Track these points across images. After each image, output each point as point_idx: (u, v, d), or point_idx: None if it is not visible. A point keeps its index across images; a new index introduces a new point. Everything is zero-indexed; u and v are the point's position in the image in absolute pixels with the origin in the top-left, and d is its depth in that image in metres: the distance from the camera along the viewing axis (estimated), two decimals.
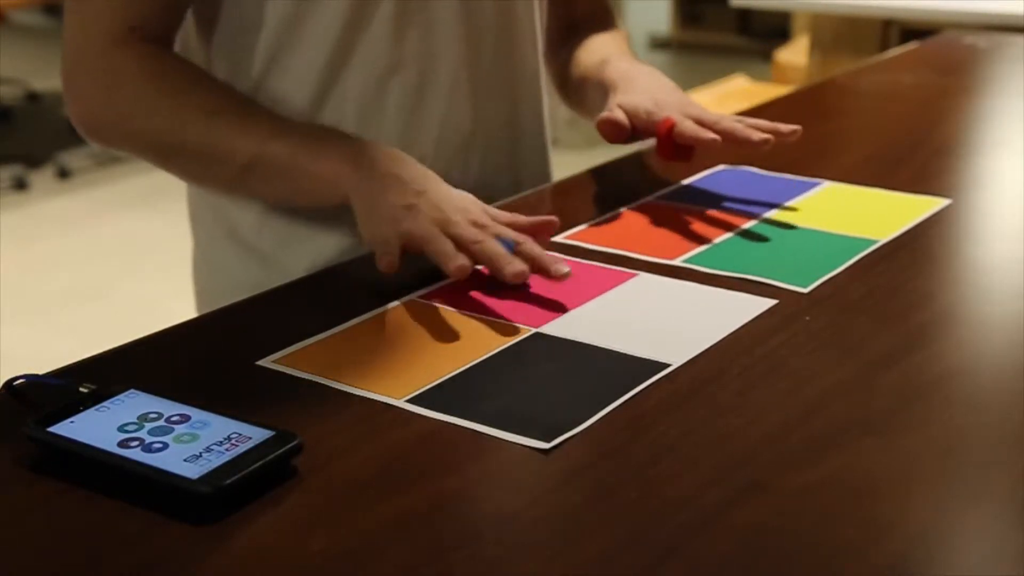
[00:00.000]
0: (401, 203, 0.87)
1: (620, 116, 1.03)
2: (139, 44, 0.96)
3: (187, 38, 1.05)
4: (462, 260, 0.83)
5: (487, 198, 1.03)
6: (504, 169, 1.13)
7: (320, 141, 0.94)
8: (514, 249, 0.86)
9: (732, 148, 1.01)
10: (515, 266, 0.84)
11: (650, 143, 1.07)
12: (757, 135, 0.99)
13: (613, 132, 1.03)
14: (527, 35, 1.11)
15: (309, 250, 1.05)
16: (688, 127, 1.01)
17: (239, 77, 1.03)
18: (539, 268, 0.85)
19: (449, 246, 0.84)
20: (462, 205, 0.88)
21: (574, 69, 1.19)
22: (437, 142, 1.06)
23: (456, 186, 1.00)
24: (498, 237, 0.86)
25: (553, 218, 0.90)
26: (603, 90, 1.10)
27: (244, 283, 1.01)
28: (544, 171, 1.18)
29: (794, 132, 1.02)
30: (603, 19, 1.24)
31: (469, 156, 1.09)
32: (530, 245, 0.86)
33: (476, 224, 0.86)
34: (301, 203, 1.01)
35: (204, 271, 1.13)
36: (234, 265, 1.08)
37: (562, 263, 0.85)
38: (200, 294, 1.14)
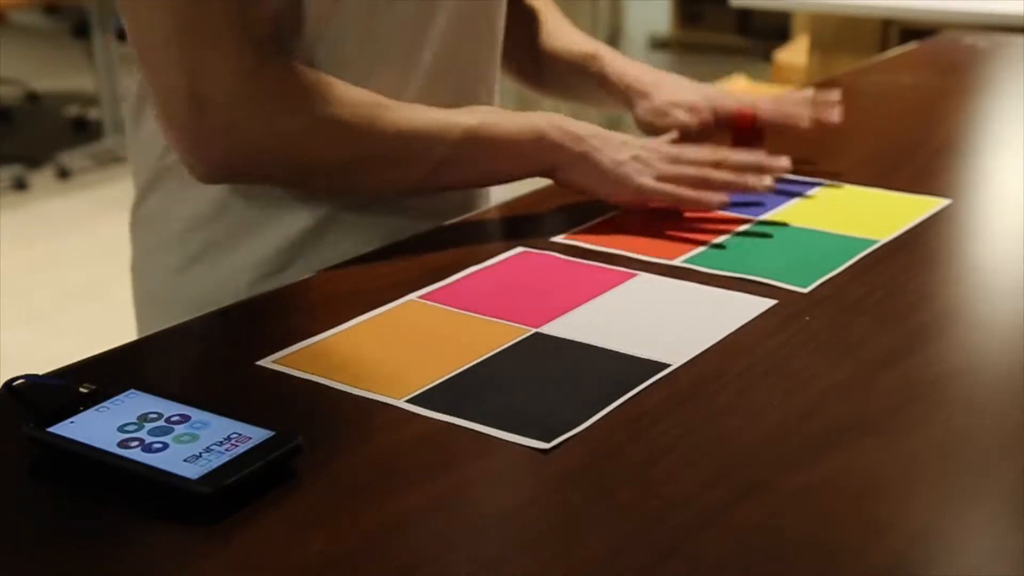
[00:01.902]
0: (624, 157, 0.98)
1: (694, 115, 1.16)
2: (274, 59, 0.89)
3: None
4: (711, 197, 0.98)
5: (439, 214, 1.02)
6: None
7: (509, 121, 0.97)
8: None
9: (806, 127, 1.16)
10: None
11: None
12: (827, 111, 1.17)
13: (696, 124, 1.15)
14: (484, 39, 1.05)
15: (244, 253, 1.00)
16: (777, 110, 1.16)
17: None
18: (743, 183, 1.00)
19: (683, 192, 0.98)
20: (652, 145, 1.01)
21: (549, 53, 1.19)
22: None
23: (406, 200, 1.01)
24: None
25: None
26: (607, 86, 1.16)
27: (179, 294, 1.02)
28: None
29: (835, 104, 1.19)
30: None
31: None
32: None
33: (668, 158, 1.00)
34: (500, 182, 1.02)
35: (141, 281, 1.12)
36: (166, 276, 1.06)
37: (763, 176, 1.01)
38: (138, 305, 1.13)
